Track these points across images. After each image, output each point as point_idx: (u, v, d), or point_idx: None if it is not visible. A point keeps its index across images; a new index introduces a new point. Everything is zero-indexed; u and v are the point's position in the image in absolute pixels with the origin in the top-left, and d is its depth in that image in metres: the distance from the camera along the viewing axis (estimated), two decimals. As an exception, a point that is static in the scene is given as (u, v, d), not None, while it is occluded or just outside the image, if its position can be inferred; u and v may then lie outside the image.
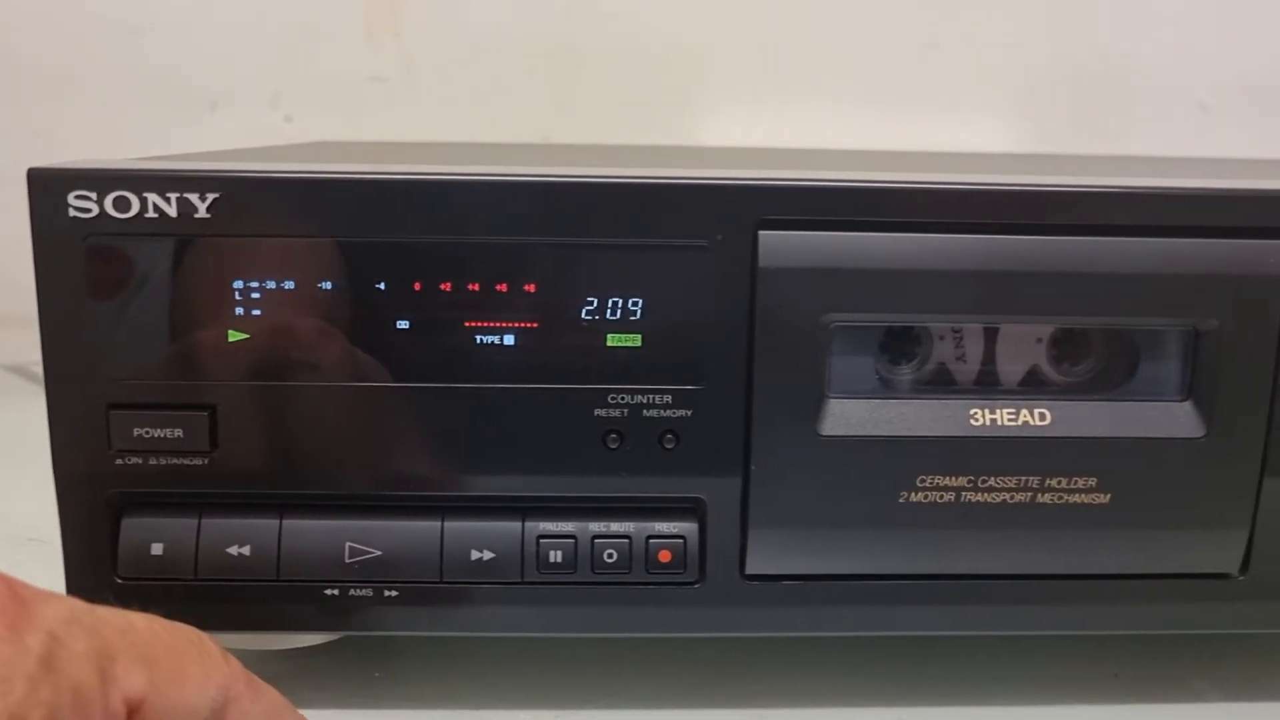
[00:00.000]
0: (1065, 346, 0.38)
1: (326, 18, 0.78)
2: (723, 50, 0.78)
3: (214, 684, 0.27)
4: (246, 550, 0.36)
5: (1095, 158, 0.68)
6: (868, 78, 0.78)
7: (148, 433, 0.36)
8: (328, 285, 0.35)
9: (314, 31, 0.78)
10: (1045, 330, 0.38)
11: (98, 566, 0.36)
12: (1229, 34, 0.77)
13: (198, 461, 0.36)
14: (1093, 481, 0.37)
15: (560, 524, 0.37)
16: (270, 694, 0.29)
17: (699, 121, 0.79)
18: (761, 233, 0.35)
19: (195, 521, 0.36)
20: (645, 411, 0.36)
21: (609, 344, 0.36)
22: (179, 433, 0.36)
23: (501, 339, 0.36)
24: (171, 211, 0.34)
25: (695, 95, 0.79)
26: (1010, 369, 0.38)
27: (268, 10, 0.78)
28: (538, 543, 0.37)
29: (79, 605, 0.26)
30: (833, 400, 0.36)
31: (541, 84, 0.78)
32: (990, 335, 0.38)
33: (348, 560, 0.37)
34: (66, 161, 0.35)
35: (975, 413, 0.37)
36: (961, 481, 0.37)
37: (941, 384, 0.38)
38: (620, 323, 0.36)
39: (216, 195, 0.34)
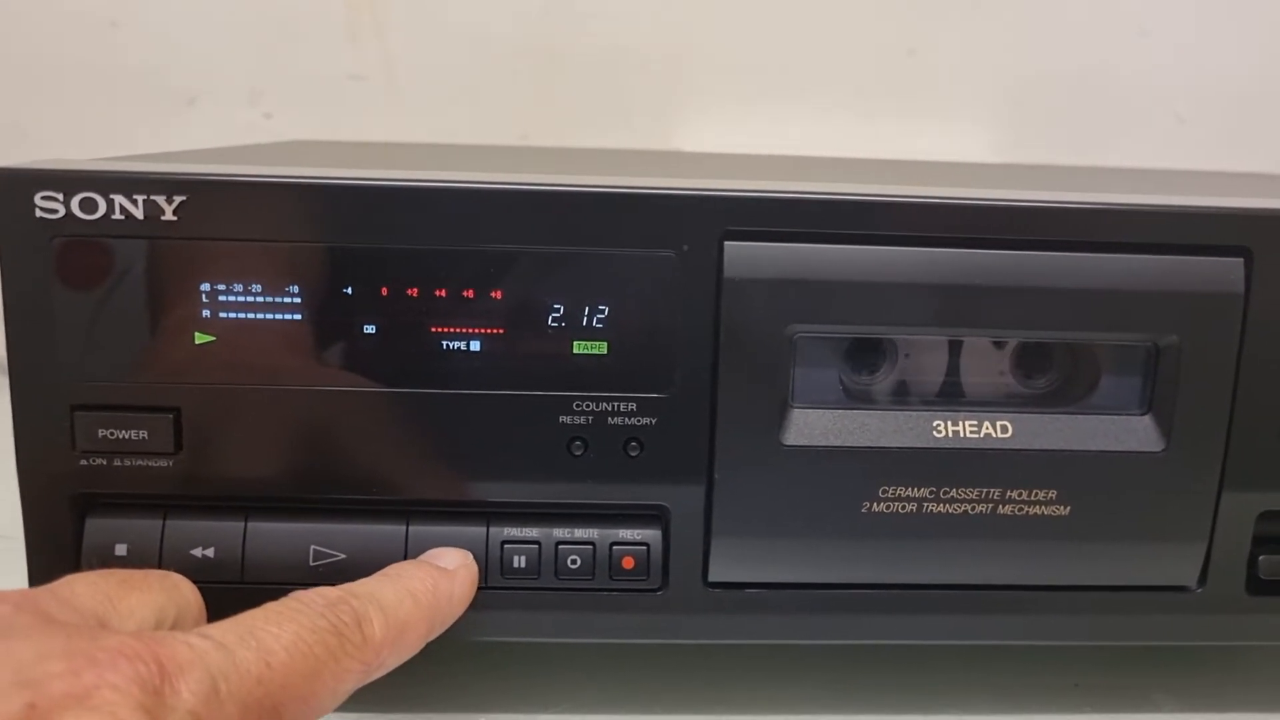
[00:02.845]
0: (1027, 360, 0.38)
1: (307, 15, 0.78)
2: (703, 53, 0.78)
3: (351, 679, 0.29)
4: (211, 552, 0.36)
5: (1068, 169, 0.69)
6: (848, 83, 0.78)
7: (112, 434, 0.36)
8: (295, 289, 0.35)
9: (294, 29, 0.78)
10: (1008, 344, 0.38)
11: (61, 567, 0.36)
12: (1207, 46, 0.78)
13: (162, 463, 0.36)
14: (1053, 494, 0.37)
15: (525, 529, 0.37)
16: (409, 635, 0.32)
17: (679, 124, 0.79)
18: (727, 243, 0.35)
19: (160, 523, 0.36)
20: (610, 419, 0.36)
21: (575, 351, 0.36)
22: (144, 434, 0.36)
23: (468, 345, 0.36)
24: (138, 214, 0.34)
25: (676, 97, 0.79)
26: (973, 381, 0.38)
27: (248, 6, 0.77)
28: (502, 548, 0.37)
29: (220, 665, 0.26)
30: (796, 410, 0.37)
31: (521, 84, 0.78)
32: (953, 348, 0.38)
33: (312, 563, 0.37)
34: (33, 161, 0.35)
35: (938, 424, 0.37)
36: (923, 492, 0.37)
37: (905, 395, 0.38)
38: (586, 330, 0.36)
39: (183, 198, 0.34)
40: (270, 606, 0.29)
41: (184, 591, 0.32)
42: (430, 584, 0.33)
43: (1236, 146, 0.79)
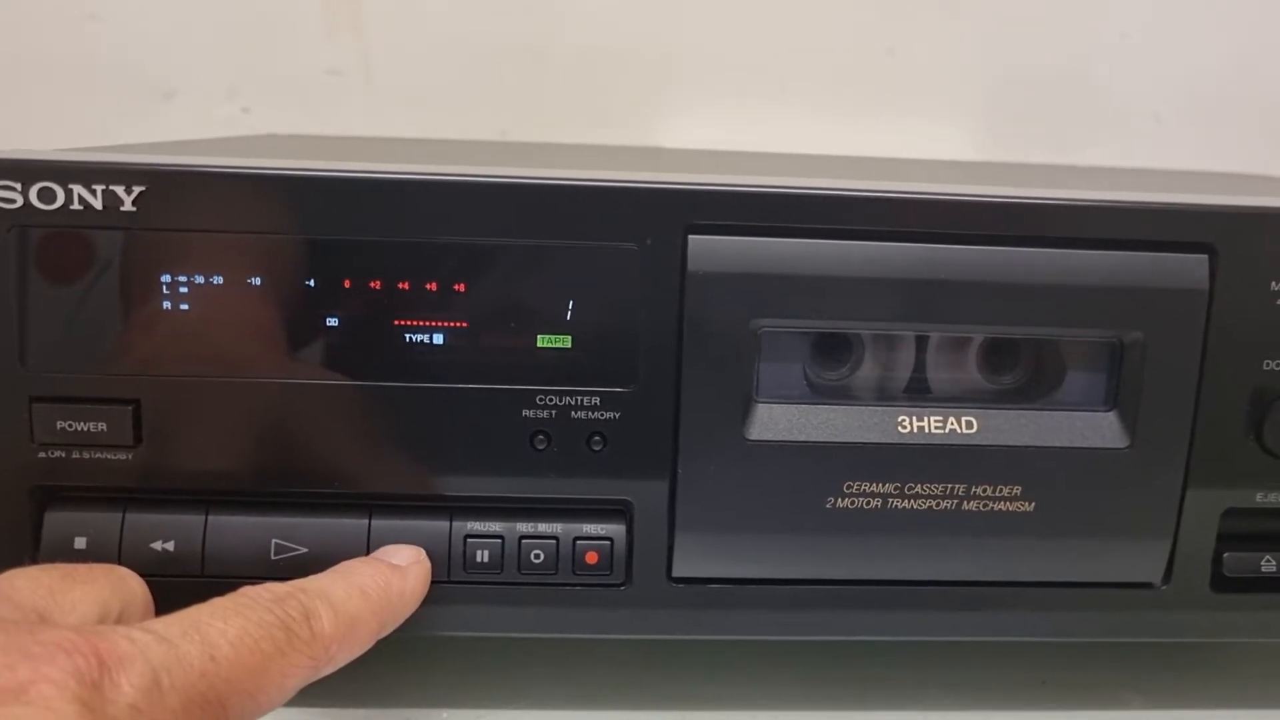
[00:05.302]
0: (993, 356, 0.38)
1: (285, 10, 0.77)
2: (684, 51, 0.78)
3: (299, 675, 0.29)
4: (171, 546, 0.36)
5: (1045, 167, 0.69)
6: (828, 81, 0.78)
7: (71, 426, 0.35)
8: (256, 281, 0.35)
9: (272, 24, 0.78)
10: (974, 339, 0.38)
11: (19, 560, 0.36)
12: (1184, 47, 0.78)
13: (122, 456, 0.36)
14: (1017, 490, 0.37)
15: (488, 524, 0.37)
16: (360, 631, 0.31)
17: (660, 122, 0.79)
18: (691, 237, 0.35)
19: (119, 516, 0.36)
20: (573, 413, 0.36)
21: (538, 345, 0.36)
22: (102, 426, 0.35)
23: (431, 338, 0.36)
24: (97, 204, 0.34)
25: (656, 95, 0.79)
26: (938, 377, 0.38)
27: (227, 1, 0.77)
28: (465, 542, 0.37)
29: (162, 658, 0.25)
30: (760, 405, 0.36)
31: (501, 81, 0.78)
32: (919, 343, 0.38)
33: (274, 557, 0.36)
34: (-8, 151, 0.34)
35: (903, 420, 0.37)
36: (888, 488, 0.37)
37: (870, 391, 0.38)
38: (550, 324, 0.36)
39: (142, 188, 0.34)
40: (217, 601, 0.29)
41: (130, 585, 0.32)
42: (382, 580, 0.33)
43: (1215, 147, 0.79)
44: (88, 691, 0.23)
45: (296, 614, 0.29)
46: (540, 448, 0.36)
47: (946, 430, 0.37)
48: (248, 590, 0.30)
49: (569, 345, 0.36)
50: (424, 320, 0.36)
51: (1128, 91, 0.78)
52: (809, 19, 0.77)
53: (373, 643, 0.33)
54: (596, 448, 0.36)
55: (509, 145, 0.70)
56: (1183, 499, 0.38)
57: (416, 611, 0.37)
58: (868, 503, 0.37)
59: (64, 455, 0.35)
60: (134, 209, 0.34)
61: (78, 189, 0.34)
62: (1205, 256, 0.36)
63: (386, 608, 0.33)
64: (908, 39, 0.77)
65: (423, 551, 0.36)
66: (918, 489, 0.37)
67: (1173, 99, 0.79)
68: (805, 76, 0.78)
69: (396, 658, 0.42)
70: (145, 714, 0.24)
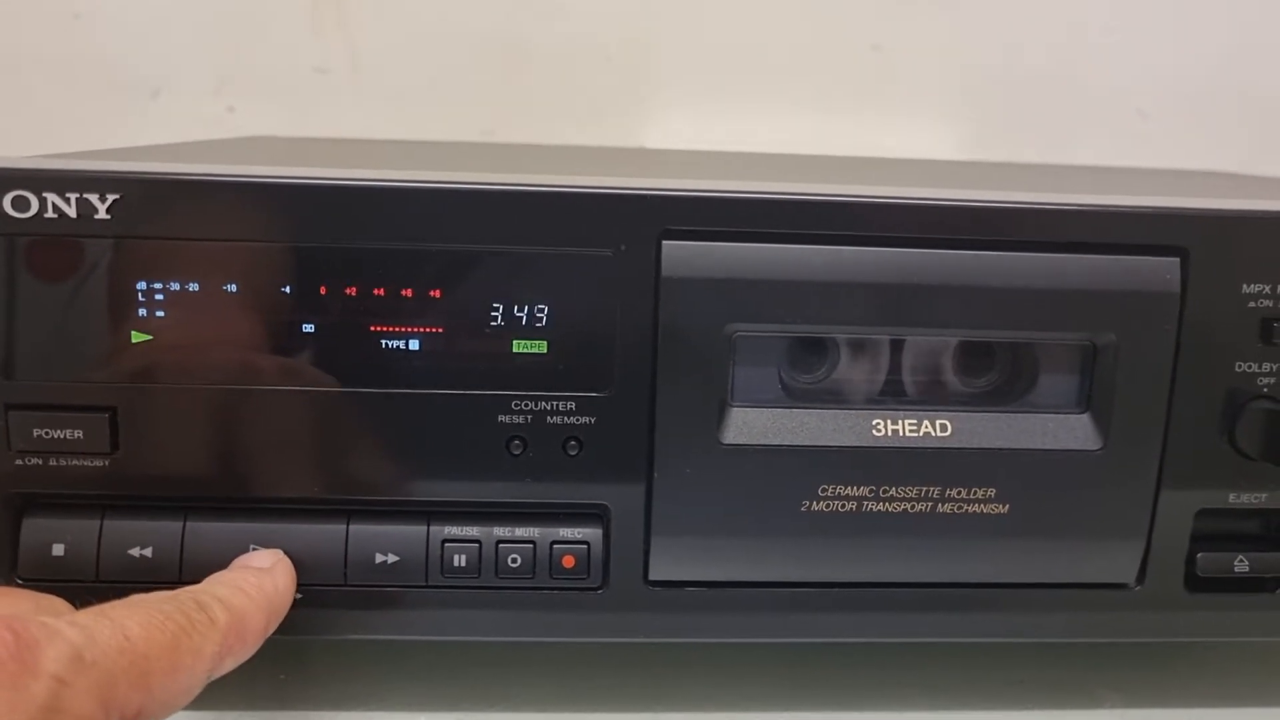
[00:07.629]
0: (967, 359, 0.38)
1: (271, 8, 0.77)
2: (669, 50, 0.78)
3: (206, 659, 0.30)
4: (149, 552, 0.36)
5: (1021, 166, 0.69)
6: (812, 79, 0.78)
7: (48, 433, 0.35)
8: (232, 288, 0.35)
9: (258, 21, 0.77)
10: (948, 343, 0.38)
11: (-1, 567, 0.36)
12: (1168, 43, 0.78)
13: (99, 463, 0.36)
14: (992, 492, 0.37)
15: (465, 528, 0.37)
16: (250, 624, 0.33)
17: (645, 121, 0.79)
18: (665, 242, 0.35)
19: (97, 523, 0.36)
20: (549, 418, 0.36)
21: (514, 350, 0.36)
22: (79, 434, 0.35)
23: (407, 344, 0.36)
24: (71, 212, 0.34)
25: (642, 94, 0.79)
26: (913, 380, 0.38)
27: (212, -1, 0.77)
28: (442, 546, 0.37)
29: (79, 638, 0.27)
30: (735, 409, 0.37)
31: (488, 79, 0.78)
32: (894, 347, 0.38)
33: (252, 563, 0.37)
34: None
35: (877, 423, 0.37)
36: (863, 491, 0.37)
37: (844, 394, 0.38)
38: (526, 329, 0.36)
39: (116, 196, 0.34)
40: (114, 601, 0.30)
41: (57, 605, 0.33)
42: (255, 579, 0.34)
43: (1199, 142, 0.79)
44: (11, 664, 0.24)
45: (191, 605, 0.31)
46: (517, 452, 0.36)
47: (921, 433, 0.37)
48: (137, 595, 0.31)
49: (545, 351, 0.36)
50: (400, 326, 0.36)
51: (1112, 88, 0.78)
52: (795, 15, 0.77)
53: (261, 640, 0.33)
54: (572, 452, 0.36)
55: (491, 146, 0.70)
56: (1156, 500, 0.38)
57: (394, 617, 0.37)
58: (843, 506, 0.37)
59: (41, 463, 0.36)
60: (109, 217, 0.34)
61: (52, 197, 0.34)
62: (1177, 259, 0.36)
63: (269, 604, 0.34)
64: (893, 35, 0.77)
65: (280, 552, 0.36)
66: (893, 492, 0.37)
67: (1157, 95, 0.79)
68: (791, 73, 0.78)
69: (374, 661, 0.42)
70: (71, 685, 0.25)
